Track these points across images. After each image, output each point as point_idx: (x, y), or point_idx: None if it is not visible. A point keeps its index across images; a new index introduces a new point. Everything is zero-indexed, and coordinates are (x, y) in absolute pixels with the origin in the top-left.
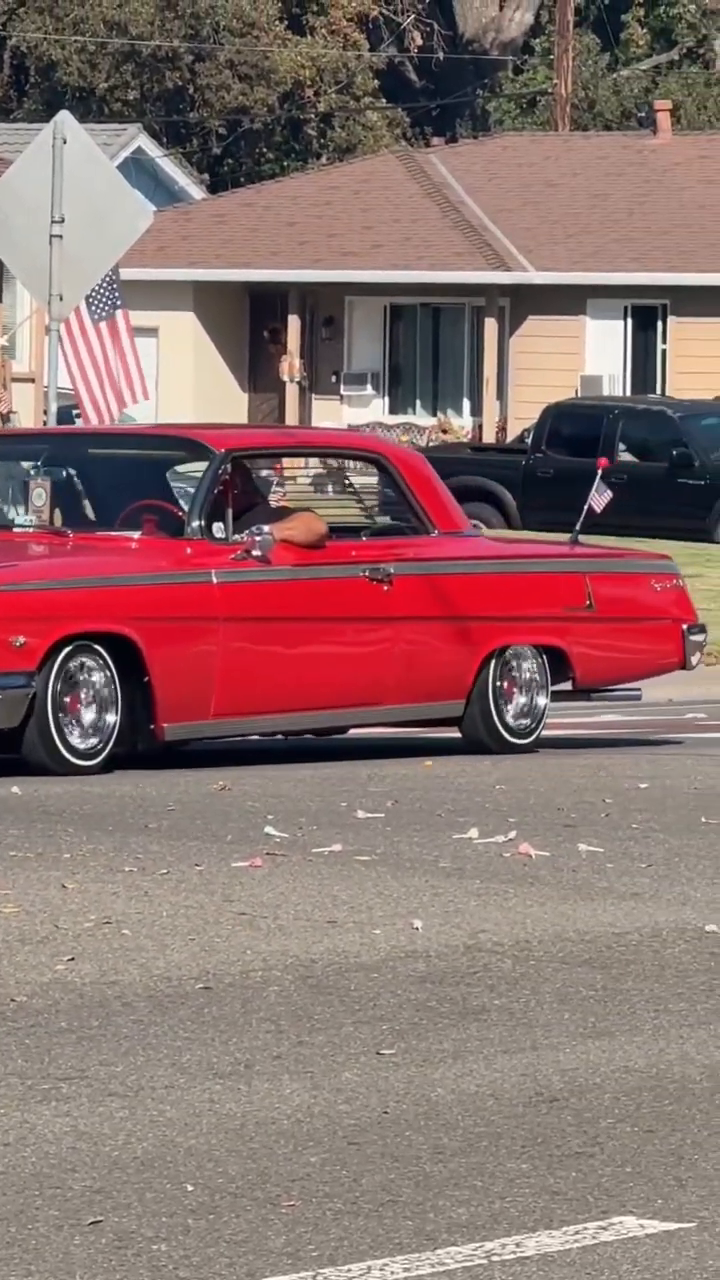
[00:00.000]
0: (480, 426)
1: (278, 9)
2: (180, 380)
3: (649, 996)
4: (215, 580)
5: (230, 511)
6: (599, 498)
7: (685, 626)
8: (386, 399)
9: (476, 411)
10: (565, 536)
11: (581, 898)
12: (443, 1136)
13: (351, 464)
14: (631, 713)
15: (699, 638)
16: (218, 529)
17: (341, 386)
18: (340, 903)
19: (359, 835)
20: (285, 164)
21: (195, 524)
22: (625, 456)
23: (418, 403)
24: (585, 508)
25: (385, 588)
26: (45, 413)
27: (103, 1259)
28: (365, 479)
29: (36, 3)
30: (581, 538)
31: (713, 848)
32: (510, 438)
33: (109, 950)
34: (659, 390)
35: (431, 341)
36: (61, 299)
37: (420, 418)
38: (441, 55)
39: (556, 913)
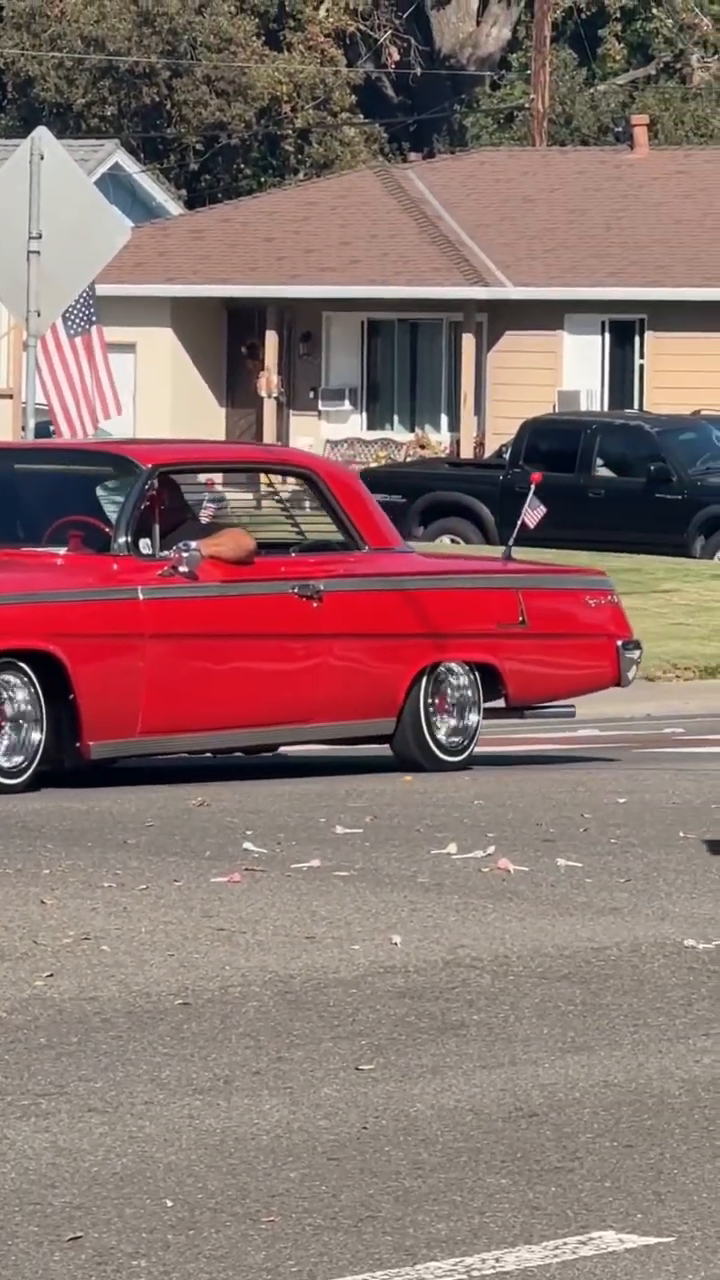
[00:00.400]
0: (458, 442)
1: (255, 25)
2: (158, 396)
3: (628, 1011)
4: (141, 597)
5: (157, 527)
6: (532, 513)
7: (620, 643)
8: (364, 414)
9: (454, 427)
10: (498, 551)
11: (560, 913)
12: (422, 1152)
13: (282, 479)
14: (610, 728)
15: (634, 654)
16: (144, 545)
17: (319, 402)
18: (319, 918)
19: (338, 851)
20: (263, 180)
21: (121, 540)
22: (603, 471)
23: (395, 418)
24: (518, 523)
25: (315, 604)
26: (24, 429)
27: (82, 1275)
28: (297, 494)
29: (14, 19)
30: (515, 552)
31: (691, 862)
32: (488, 453)
33: (88, 966)
34: (636, 405)
35: (409, 357)
36: (39, 315)
37: (398, 433)
38: (419, 71)
39: (535, 928)
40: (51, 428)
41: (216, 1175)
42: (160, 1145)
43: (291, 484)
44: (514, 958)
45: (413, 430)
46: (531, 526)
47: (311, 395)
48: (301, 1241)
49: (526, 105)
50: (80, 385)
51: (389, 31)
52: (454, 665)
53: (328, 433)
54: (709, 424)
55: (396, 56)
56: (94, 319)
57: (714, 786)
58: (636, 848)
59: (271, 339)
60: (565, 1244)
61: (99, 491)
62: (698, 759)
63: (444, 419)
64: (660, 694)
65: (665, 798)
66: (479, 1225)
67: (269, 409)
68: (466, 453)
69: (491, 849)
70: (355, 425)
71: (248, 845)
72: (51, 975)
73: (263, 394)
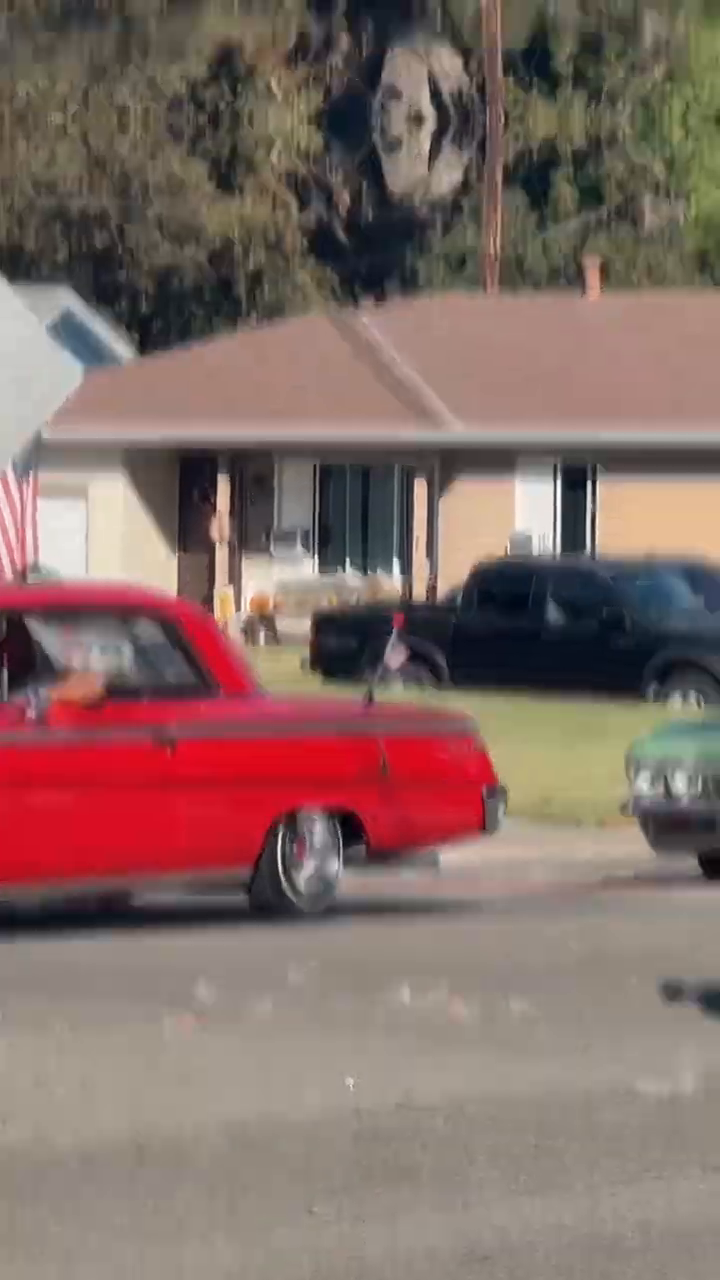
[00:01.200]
0: (410, 585)
1: (207, 168)
2: (109, 541)
3: (580, 1154)
4: None
5: (5, 672)
6: (394, 655)
7: (485, 789)
8: (316, 557)
9: (406, 570)
10: (359, 696)
11: (513, 1056)
12: None
13: (137, 622)
14: (558, 872)
15: (498, 801)
16: None
17: (271, 545)
18: (272, 1063)
19: (290, 995)
20: (214, 322)
21: None
22: (556, 616)
23: (347, 561)
24: (380, 665)
25: (168, 751)
26: None
27: None
28: (152, 638)
29: None
30: (376, 696)
31: (644, 1007)
32: (440, 596)
33: (41, 1110)
34: (589, 549)
35: (361, 500)
36: None
37: (351, 576)
38: (370, 214)
39: (488, 1071)
40: None
41: None
42: None
43: (148, 627)
44: (467, 1101)
45: (365, 573)
46: (393, 668)
47: (264, 538)
48: None
49: (479, 248)
50: (20, 528)
51: (341, 174)
52: (313, 812)
53: (280, 576)
54: (662, 569)
55: (348, 200)
56: (30, 464)
57: (665, 931)
58: (588, 992)
59: (223, 483)
60: None
61: None
62: (650, 904)
63: (396, 562)
64: (613, 839)
65: (617, 943)
66: None
67: (220, 553)
68: (419, 596)
69: (444, 992)
70: (307, 568)
71: (201, 990)
72: (4, 1121)
73: (214, 538)
